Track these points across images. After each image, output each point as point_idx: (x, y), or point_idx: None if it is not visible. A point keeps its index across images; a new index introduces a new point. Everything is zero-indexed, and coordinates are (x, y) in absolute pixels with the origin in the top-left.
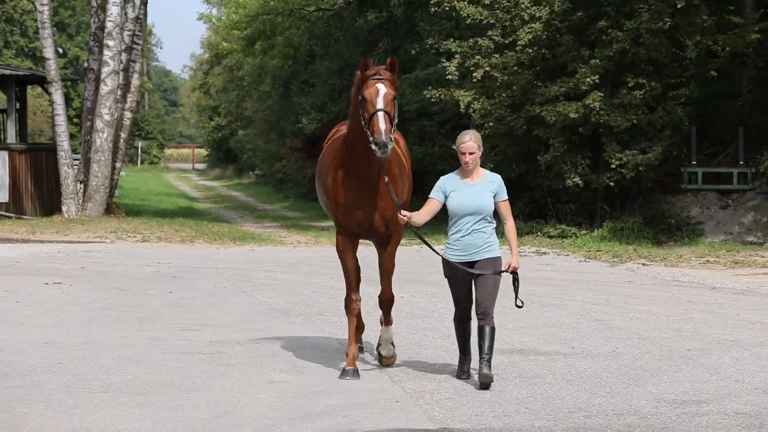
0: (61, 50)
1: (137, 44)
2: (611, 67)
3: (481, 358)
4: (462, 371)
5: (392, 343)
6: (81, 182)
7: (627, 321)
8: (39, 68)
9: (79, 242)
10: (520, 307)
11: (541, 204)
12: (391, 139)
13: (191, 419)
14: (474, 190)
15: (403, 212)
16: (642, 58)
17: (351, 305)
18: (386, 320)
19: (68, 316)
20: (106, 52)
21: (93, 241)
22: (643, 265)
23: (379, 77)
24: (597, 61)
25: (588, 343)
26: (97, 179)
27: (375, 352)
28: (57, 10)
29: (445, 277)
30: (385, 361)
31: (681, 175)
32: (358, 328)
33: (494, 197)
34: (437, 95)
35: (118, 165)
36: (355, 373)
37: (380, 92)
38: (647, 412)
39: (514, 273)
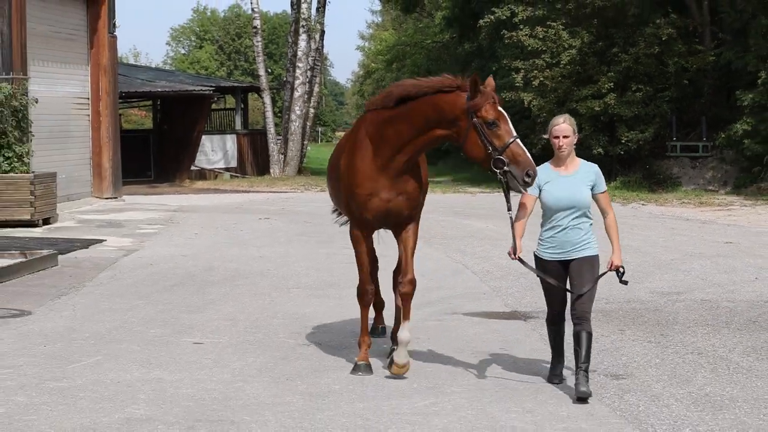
0: (269, 70)
1: (317, 65)
2: (621, 77)
3: (577, 368)
4: (554, 374)
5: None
6: (282, 154)
7: (632, 241)
8: (256, 82)
9: (281, 192)
10: (625, 283)
11: None
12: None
13: (348, 306)
14: (569, 182)
15: (512, 251)
16: (640, 72)
17: (365, 296)
18: (405, 314)
19: (274, 239)
20: (297, 71)
21: (290, 191)
22: (642, 205)
23: (496, 101)
24: (612, 74)
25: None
26: (292, 152)
27: (386, 358)
28: (267, 44)
29: (537, 276)
30: (395, 370)
31: (666, 146)
32: (377, 305)
33: (592, 189)
34: (510, 96)
35: (305, 143)
36: (368, 368)
37: (508, 118)
38: (645, 299)
39: (618, 270)
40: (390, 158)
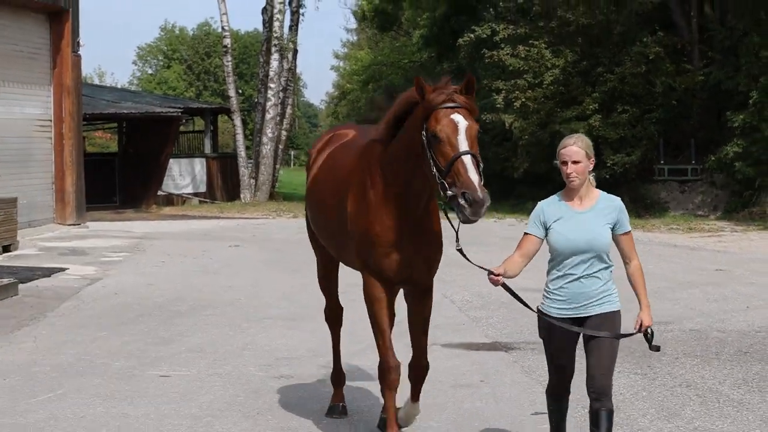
0: (240, 91)
1: (290, 86)
2: (606, 98)
3: None
4: None
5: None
6: (253, 178)
7: (617, 269)
8: (226, 103)
9: (251, 218)
10: (657, 350)
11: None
12: (488, 196)
13: (321, 338)
14: (584, 220)
15: (495, 270)
16: (627, 92)
17: (390, 376)
18: (415, 394)
19: (244, 267)
20: (269, 91)
21: (261, 217)
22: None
23: (454, 104)
24: (597, 94)
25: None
26: (264, 176)
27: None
28: (238, 64)
29: (540, 337)
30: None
31: (653, 170)
32: (338, 381)
33: (613, 228)
34: (490, 118)
35: (277, 166)
36: None
37: (459, 127)
38: (631, 329)
39: (646, 333)
40: (407, 200)
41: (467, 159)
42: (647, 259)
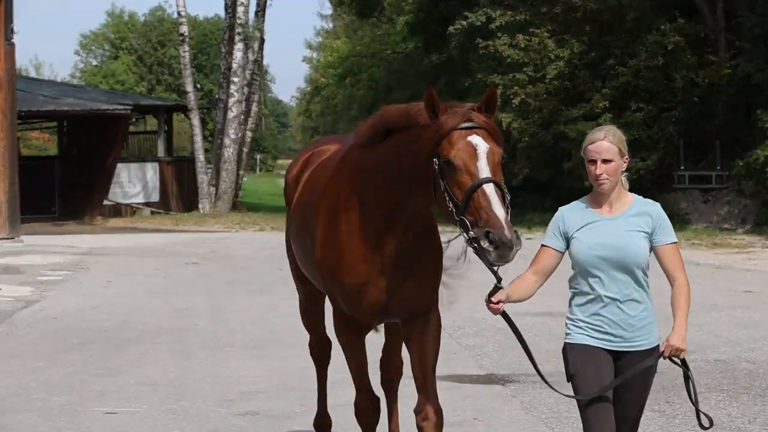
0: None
1: (256, 80)
2: (618, 94)
3: None
4: None
5: None
6: (213, 186)
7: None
8: (182, 99)
9: (211, 231)
10: (706, 428)
11: (565, 200)
12: (518, 237)
13: (291, 368)
14: (614, 228)
15: (496, 298)
16: (641, 87)
17: (367, 416)
18: None
19: (203, 288)
20: (232, 86)
21: (222, 231)
22: None
23: (473, 125)
24: (607, 90)
25: None
26: (225, 183)
27: None
28: (196, 55)
29: (569, 377)
30: None
31: (672, 176)
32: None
33: (651, 238)
34: None
35: (241, 172)
36: None
37: (479, 151)
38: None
39: (677, 359)
40: (385, 224)
41: (490, 189)
42: (665, 279)
